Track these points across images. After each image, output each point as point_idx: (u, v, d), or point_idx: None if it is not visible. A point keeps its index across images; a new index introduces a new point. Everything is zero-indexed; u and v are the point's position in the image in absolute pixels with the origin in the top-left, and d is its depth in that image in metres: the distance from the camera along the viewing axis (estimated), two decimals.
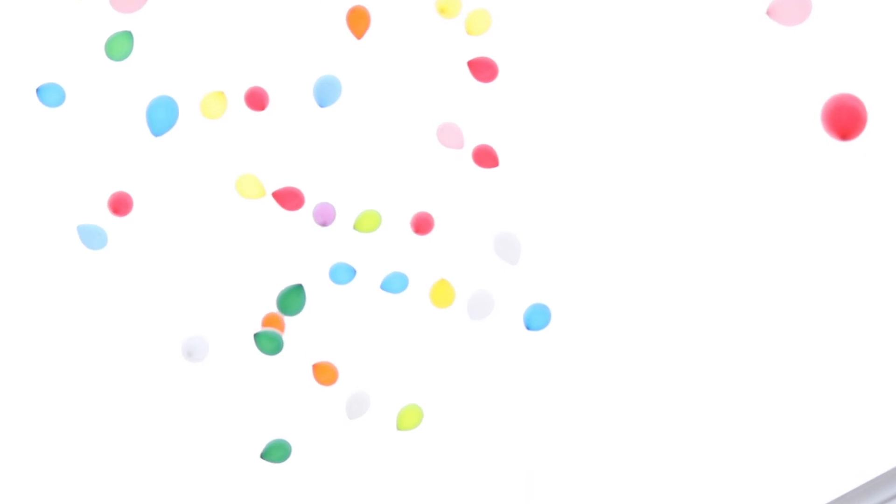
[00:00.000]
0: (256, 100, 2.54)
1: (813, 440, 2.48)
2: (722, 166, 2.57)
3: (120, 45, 2.34)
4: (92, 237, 2.46)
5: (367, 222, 2.55)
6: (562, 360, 2.60)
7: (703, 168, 2.58)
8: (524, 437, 2.58)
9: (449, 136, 2.54)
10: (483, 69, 2.54)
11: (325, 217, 2.54)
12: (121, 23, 2.38)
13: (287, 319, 2.49)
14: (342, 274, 2.55)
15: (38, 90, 2.43)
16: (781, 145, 2.52)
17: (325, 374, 2.52)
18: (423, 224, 2.56)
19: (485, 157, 2.54)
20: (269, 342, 2.42)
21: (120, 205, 2.47)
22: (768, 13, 1.96)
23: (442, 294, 2.53)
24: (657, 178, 2.62)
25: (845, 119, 1.86)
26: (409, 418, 2.46)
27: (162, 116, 2.35)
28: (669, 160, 2.59)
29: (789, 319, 2.50)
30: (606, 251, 2.63)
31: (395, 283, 2.57)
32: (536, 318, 2.48)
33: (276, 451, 2.41)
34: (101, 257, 2.56)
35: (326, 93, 2.45)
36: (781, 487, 2.46)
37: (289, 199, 2.54)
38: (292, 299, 2.45)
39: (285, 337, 2.46)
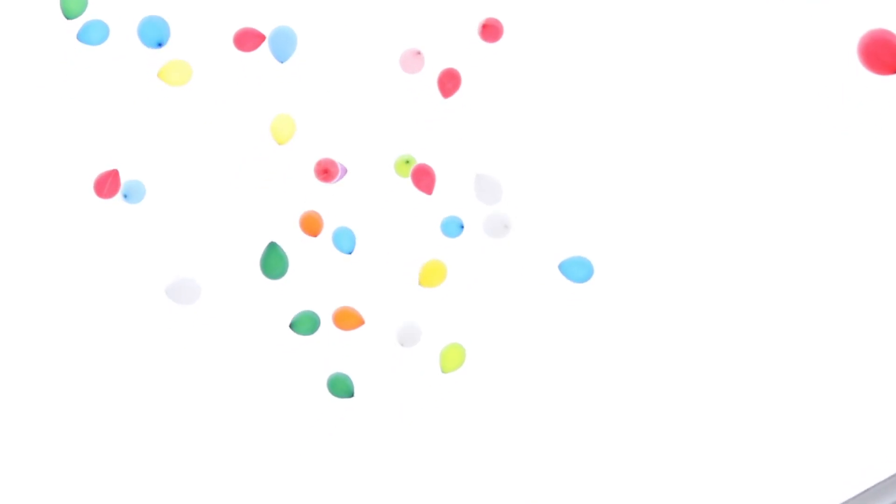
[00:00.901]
0: (248, 41, 2.49)
1: (822, 441, 2.45)
2: (747, 112, 2.52)
3: (73, 5, 2.34)
4: (132, 192, 2.46)
5: (403, 169, 2.52)
6: (598, 311, 2.56)
7: (730, 125, 2.52)
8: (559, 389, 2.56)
9: (410, 62, 2.50)
10: (489, 31, 2.49)
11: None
12: None
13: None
14: (344, 242, 2.52)
15: (79, 34, 2.42)
16: (812, 88, 2.46)
17: (347, 320, 2.49)
18: (423, 176, 2.53)
19: (448, 81, 2.50)
20: (306, 324, 2.43)
21: (104, 186, 2.46)
22: None
23: (431, 275, 2.50)
24: (672, 140, 2.56)
25: (886, 51, 1.81)
26: (451, 359, 2.47)
27: (152, 32, 2.38)
28: (695, 114, 2.53)
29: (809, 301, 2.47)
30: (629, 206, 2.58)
31: (451, 228, 2.52)
32: (576, 271, 2.47)
33: (340, 385, 2.43)
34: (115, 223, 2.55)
35: (282, 47, 2.44)
36: (791, 487, 2.44)
37: (326, 171, 2.51)
38: (272, 261, 2.45)
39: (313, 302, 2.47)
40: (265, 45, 2.49)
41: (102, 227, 2.54)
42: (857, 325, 2.44)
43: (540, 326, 2.53)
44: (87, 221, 2.54)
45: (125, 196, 2.47)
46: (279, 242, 2.49)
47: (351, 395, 2.46)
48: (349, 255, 2.51)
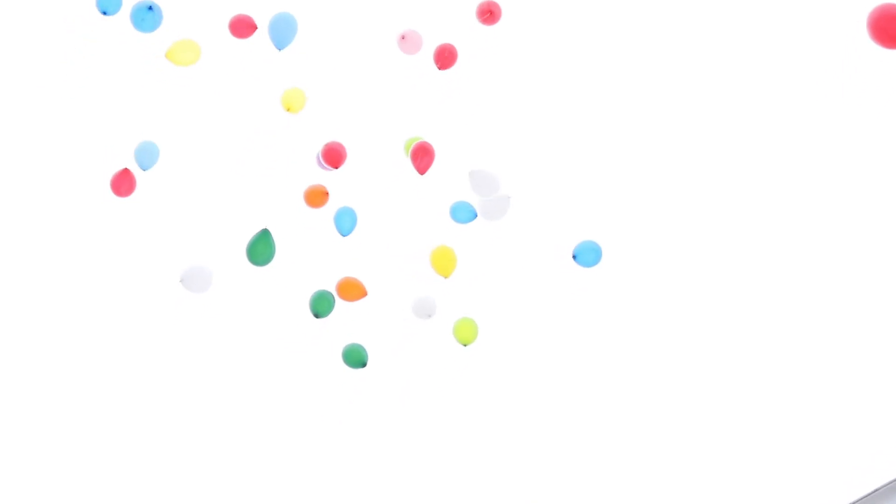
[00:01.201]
0: (242, 28, 2.47)
1: (825, 442, 2.42)
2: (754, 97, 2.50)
3: None
4: (145, 156, 2.45)
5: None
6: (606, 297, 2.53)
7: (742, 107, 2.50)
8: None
9: (403, 46, 2.47)
10: (488, 16, 2.49)
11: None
12: None
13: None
14: (344, 223, 2.49)
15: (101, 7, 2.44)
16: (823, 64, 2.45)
17: (350, 291, 2.49)
18: (422, 154, 2.50)
19: (445, 56, 2.47)
20: (324, 305, 2.44)
21: (122, 184, 2.44)
22: None
23: (444, 262, 2.48)
24: (676, 123, 2.54)
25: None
26: (466, 331, 2.46)
27: (144, 17, 2.40)
28: (705, 93, 2.51)
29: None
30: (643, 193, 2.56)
31: (462, 213, 2.51)
32: (585, 256, 2.46)
33: (353, 356, 2.45)
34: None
35: (281, 34, 2.42)
36: (793, 487, 2.41)
37: (334, 156, 2.48)
38: (260, 247, 2.44)
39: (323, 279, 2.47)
40: (263, 31, 2.48)
41: (107, 219, 2.53)
42: (875, 316, 2.42)
43: (547, 310, 2.52)
44: (93, 213, 2.53)
45: (143, 169, 2.46)
46: (283, 226, 2.49)
47: (364, 364, 2.47)
48: (345, 238, 2.51)
